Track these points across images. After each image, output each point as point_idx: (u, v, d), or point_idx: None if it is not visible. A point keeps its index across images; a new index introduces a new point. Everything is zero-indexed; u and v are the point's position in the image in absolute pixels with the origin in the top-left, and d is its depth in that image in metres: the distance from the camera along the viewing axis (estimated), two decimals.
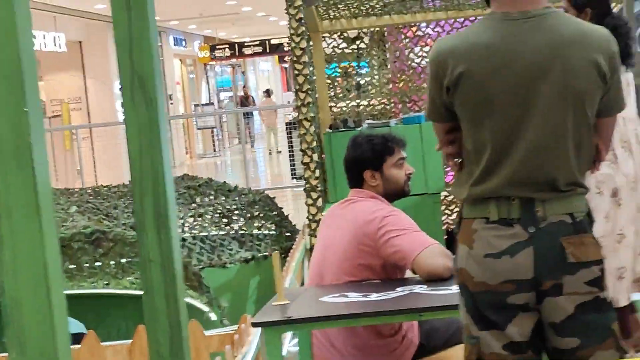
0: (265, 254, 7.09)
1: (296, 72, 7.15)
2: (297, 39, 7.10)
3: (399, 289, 3.96)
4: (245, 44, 29.88)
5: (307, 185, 7.15)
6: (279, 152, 25.30)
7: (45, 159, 2.49)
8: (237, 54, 29.88)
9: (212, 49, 29.89)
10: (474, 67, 2.88)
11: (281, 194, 15.39)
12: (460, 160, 3.04)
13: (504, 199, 2.90)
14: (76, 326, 5.38)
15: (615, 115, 3.04)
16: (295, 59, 7.13)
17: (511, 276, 2.88)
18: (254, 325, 3.78)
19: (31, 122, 2.43)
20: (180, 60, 30.96)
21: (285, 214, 7.92)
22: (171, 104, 27.59)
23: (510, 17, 2.91)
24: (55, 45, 21.05)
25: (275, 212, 7.52)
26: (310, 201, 7.14)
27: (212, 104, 30.91)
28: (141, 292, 5.49)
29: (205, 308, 5.38)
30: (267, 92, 29.13)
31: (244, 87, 33.94)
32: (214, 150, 28.99)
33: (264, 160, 26.41)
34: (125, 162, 16.42)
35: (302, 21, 7.10)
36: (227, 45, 30.08)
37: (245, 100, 30.23)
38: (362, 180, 4.38)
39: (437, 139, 3.09)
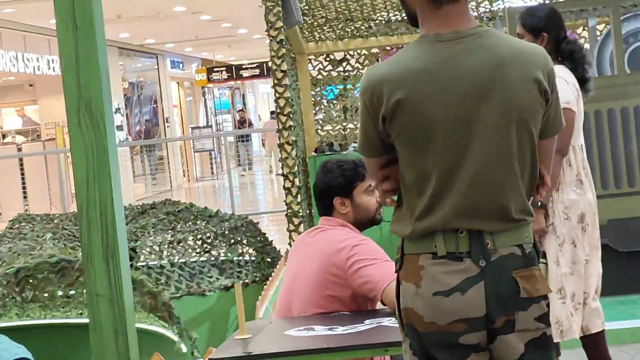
0: (246, 281, 6.90)
1: (277, 95, 7.00)
2: (278, 61, 6.95)
3: (367, 322, 3.79)
4: (243, 66, 29.76)
5: (289, 211, 6.99)
6: (278, 174, 25.16)
7: None
8: (235, 76, 29.74)
9: (210, 71, 29.76)
10: (411, 94, 2.69)
11: (280, 217, 15.23)
12: (397, 197, 2.86)
13: (451, 231, 2.72)
14: (16, 352, 5.20)
15: (555, 137, 2.88)
16: (276, 81, 6.98)
17: (463, 315, 2.70)
18: None
19: None
20: (178, 83, 30.86)
21: (279, 238, 7.74)
22: (168, 126, 27.47)
23: (442, 39, 2.74)
24: (49, 68, 20.95)
25: (258, 238, 7.34)
26: (291, 227, 6.98)
27: (210, 126, 30.77)
28: None
29: (177, 339, 5.20)
30: (273, 114, 28.96)
31: (240, 110, 33.79)
32: (212, 173, 28.85)
33: (262, 183, 26.30)
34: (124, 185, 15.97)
35: (284, 43, 6.96)
36: (224, 68, 29.95)
37: (242, 124, 30.09)
38: (332, 207, 4.21)
39: (371, 176, 2.92)
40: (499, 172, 2.72)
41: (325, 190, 4.20)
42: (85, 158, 3.32)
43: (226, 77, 29.67)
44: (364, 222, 4.21)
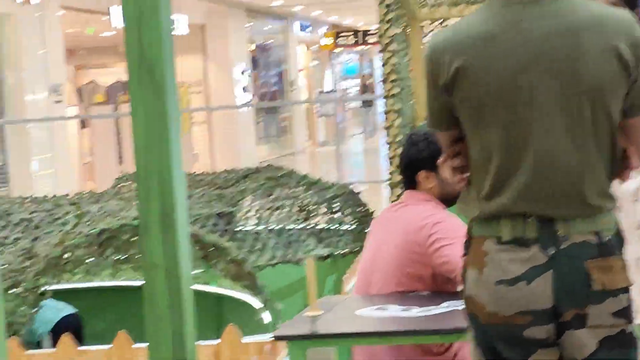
0: (344, 251, 6.74)
1: (383, 61, 6.78)
2: (386, 26, 6.72)
3: (444, 304, 3.58)
4: (370, 31, 29.49)
5: (391, 181, 6.78)
6: None
7: None
8: (362, 41, 29.53)
9: (337, 36, 29.61)
10: (471, 62, 2.47)
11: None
12: (468, 175, 2.63)
13: (519, 216, 2.49)
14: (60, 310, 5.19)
15: None
16: (382, 47, 6.76)
17: (527, 306, 2.47)
18: (277, 338, 3.45)
19: None
20: (306, 46, 30.78)
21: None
22: (293, 90, 27.44)
23: (513, 2, 2.49)
24: (177, 27, 21.06)
25: (359, 208, 7.15)
26: (393, 198, 6.78)
27: (335, 91, 30.65)
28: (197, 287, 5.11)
29: (261, 308, 5.07)
30: None
31: (363, 75, 33.55)
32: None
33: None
34: (242, 147, 16.17)
35: (393, 7, 6.72)
36: (352, 33, 29.76)
37: (366, 90, 29.88)
38: (417, 181, 3.99)
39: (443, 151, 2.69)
40: (570, 152, 2.47)
41: (410, 163, 3.99)
42: (145, 122, 3.15)
43: (353, 42, 29.48)
44: (450, 198, 3.97)
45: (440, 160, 2.70)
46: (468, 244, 2.59)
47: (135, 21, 3.29)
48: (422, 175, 3.96)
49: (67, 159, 16.12)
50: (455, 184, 3.88)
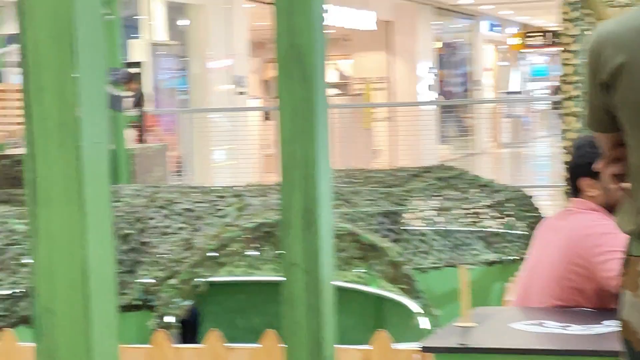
0: (513, 257, 6.46)
1: (564, 61, 6.47)
2: (569, 25, 6.42)
3: (606, 323, 3.31)
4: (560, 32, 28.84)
5: (567, 188, 6.47)
6: None
7: (103, 138, 2.04)
8: (552, 42, 28.87)
9: (526, 36, 29.04)
10: (636, 58, 2.22)
11: None
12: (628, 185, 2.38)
13: None
14: None
15: None
16: (564, 47, 6.46)
17: None
18: (424, 349, 3.26)
19: (82, 92, 2.00)
20: (494, 46, 30.30)
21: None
22: (478, 89, 27.04)
23: None
24: (364, 23, 21.01)
25: (531, 213, 6.86)
26: (567, 205, 6.47)
27: (520, 92, 30.06)
28: (356, 287, 4.93)
29: (419, 312, 4.87)
30: None
31: (560, 77, 32.84)
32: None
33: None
34: (424, 146, 15.92)
35: (575, 6, 6.42)
36: (541, 34, 29.13)
37: (557, 92, 29.23)
38: (579, 189, 3.74)
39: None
40: None
41: (572, 168, 3.74)
42: (291, 113, 3.00)
43: (543, 43, 28.86)
44: (615, 208, 3.70)
45: (596, 165, 2.47)
46: (626, 263, 2.35)
47: (286, 7, 3.14)
48: (584, 182, 3.70)
49: (248, 150, 16.26)
50: (615, 193, 3.60)
